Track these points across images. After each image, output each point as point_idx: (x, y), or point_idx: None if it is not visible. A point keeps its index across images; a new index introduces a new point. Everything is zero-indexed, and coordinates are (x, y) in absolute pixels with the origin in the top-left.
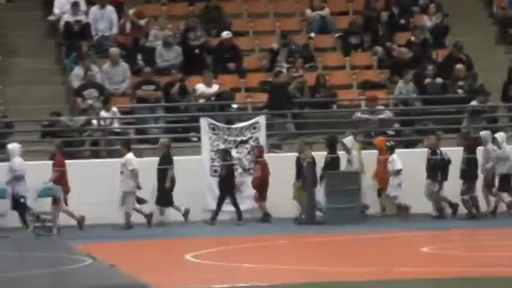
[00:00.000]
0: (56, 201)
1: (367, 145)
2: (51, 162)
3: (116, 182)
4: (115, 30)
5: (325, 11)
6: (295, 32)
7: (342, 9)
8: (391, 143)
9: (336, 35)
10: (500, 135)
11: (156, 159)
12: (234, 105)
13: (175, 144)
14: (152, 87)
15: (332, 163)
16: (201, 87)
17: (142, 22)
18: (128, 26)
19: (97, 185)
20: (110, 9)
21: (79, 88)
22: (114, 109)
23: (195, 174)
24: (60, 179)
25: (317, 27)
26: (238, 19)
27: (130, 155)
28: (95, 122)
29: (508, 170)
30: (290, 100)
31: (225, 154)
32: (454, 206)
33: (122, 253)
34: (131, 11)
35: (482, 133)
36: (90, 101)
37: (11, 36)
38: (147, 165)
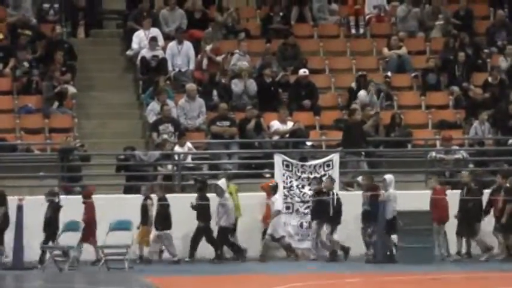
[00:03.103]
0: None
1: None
2: (124, 196)
3: (190, 217)
4: (192, 66)
5: (403, 50)
6: (371, 71)
7: (419, 49)
8: (273, 183)
9: (413, 74)
10: None
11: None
12: (308, 143)
13: (249, 180)
14: (227, 123)
15: (202, 207)
16: (275, 124)
17: (219, 58)
18: (205, 62)
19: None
20: (187, 44)
21: (154, 123)
22: (188, 144)
23: None
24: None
25: (394, 66)
26: (315, 56)
27: None
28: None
29: None
30: (364, 138)
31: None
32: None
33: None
34: (208, 47)
35: None
36: (165, 136)
37: (89, 70)
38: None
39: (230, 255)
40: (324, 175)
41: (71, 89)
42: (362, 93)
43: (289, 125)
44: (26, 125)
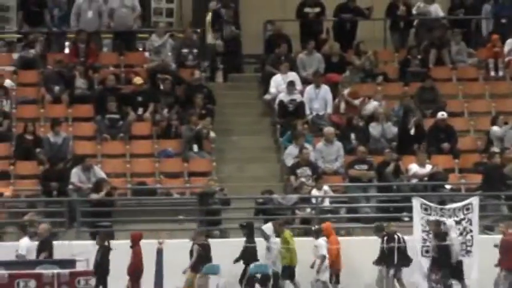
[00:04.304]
0: None
1: None
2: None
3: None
4: (329, 110)
5: None
6: (511, 114)
7: None
8: (316, 227)
9: None
10: None
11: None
12: (448, 186)
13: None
14: (365, 166)
15: (248, 249)
16: (414, 167)
17: (356, 102)
18: (343, 105)
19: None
20: (325, 88)
21: (292, 166)
22: (326, 188)
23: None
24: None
25: None
26: (454, 100)
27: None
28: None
29: None
30: (504, 182)
31: None
32: None
33: None
34: (346, 91)
35: None
36: (302, 179)
37: (228, 114)
38: (358, 244)
39: None
40: (463, 219)
41: (210, 133)
42: (495, 128)
43: (428, 168)
44: (166, 168)
